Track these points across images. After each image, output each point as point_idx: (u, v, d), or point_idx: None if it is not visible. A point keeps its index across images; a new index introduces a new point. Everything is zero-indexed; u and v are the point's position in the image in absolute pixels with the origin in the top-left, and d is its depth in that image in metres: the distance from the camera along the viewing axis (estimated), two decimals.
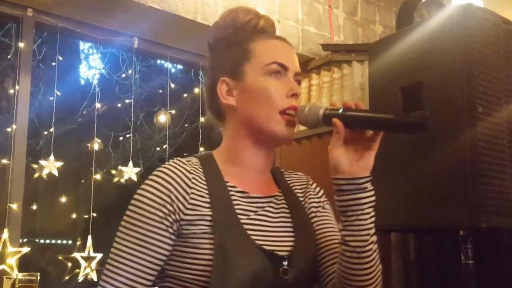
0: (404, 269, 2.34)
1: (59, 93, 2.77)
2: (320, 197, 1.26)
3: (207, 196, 1.07)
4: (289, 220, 1.16)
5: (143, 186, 1.08)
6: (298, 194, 1.23)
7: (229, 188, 1.11)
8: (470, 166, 1.65)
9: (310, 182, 1.28)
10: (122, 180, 2.93)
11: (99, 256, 2.62)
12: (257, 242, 1.06)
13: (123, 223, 1.07)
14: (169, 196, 1.05)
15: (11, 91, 2.57)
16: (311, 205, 1.23)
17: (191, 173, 1.08)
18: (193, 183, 1.07)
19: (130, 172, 2.92)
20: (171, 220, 1.04)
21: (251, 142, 1.13)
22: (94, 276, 2.61)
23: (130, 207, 1.07)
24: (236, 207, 1.09)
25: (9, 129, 2.51)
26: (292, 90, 1.12)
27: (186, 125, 4.87)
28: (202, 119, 3.34)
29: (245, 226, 1.07)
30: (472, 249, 1.72)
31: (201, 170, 1.11)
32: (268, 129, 1.10)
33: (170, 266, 1.06)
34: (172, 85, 3.33)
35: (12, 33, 2.80)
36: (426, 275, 2.27)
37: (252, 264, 1.02)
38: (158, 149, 5.14)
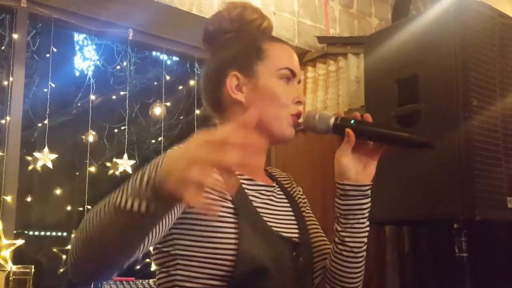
0: (399, 262, 2.35)
1: (53, 85, 2.75)
2: (303, 195, 1.33)
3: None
4: (290, 210, 1.20)
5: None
6: (288, 189, 1.28)
7: (238, 176, 1.12)
8: (464, 159, 1.65)
9: (293, 181, 1.33)
10: (117, 173, 2.92)
11: None
12: (274, 228, 1.11)
13: None
14: None
15: (5, 82, 2.55)
16: (299, 200, 1.28)
17: None
18: None
19: (125, 164, 2.91)
20: None
21: None
22: None
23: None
24: (248, 193, 1.12)
25: (3, 121, 2.50)
26: (298, 98, 1.17)
27: (181, 117, 4.87)
28: (197, 111, 3.34)
29: (260, 212, 1.11)
30: (466, 242, 1.72)
31: None
32: (277, 129, 1.14)
33: (186, 248, 1.02)
34: (167, 77, 3.32)
35: (5, 24, 2.78)
36: (420, 268, 2.28)
37: (272, 250, 1.06)
38: (153, 141, 5.14)
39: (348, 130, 1.09)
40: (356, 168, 1.12)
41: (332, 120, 1.11)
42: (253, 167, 1.17)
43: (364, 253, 1.16)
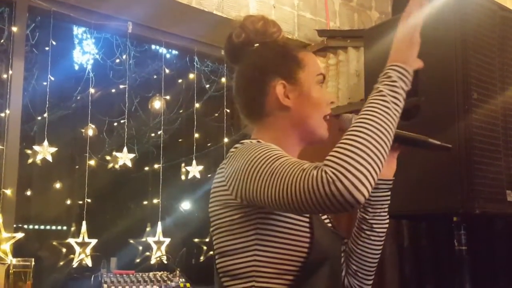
0: (398, 255, 2.36)
1: (52, 78, 2.74)
2: None
3: None
4: None
5: (258, 149, 1.08)
6: None
7: None
8: (464, 152, 1.65)
9: None
10: (117, 166, 2.92)
11: (93, 241, 2.62)
12: (326, 222, 1.27)
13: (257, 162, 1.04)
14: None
15: (4, 76, 2.55)
16: None
17: None
18: None
19: (124, 158, 2.91)
20: None
21: (298, 138, 1.27)
22: (88, 262, 2.62)
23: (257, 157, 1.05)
24: None
25: (2, 115, 2.50)
26: (331, 99, 1.31)
27: (181, 111, 4.86)
28: (197, 105, 3.33)
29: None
30: (466, 235, 1.72)
31: None
32: (318, 132, 1.27)
33: (268, 233, 1.11)
34: (167, 71, 3.31)
35: (4, 17, 2.77)
36: (419, 261, 2.28)
37: (332, 242, 1.21)
38: (152, 135, 5.14)
39: None
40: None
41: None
42: None
43: (384, 237, 1.33)
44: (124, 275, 2.45)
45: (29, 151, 2.62)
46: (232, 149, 1.17)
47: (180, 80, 4.58)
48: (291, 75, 1.26)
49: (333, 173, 0.90)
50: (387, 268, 2.36)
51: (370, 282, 1.35)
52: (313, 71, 1.28)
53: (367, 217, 1.31)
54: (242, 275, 1.13)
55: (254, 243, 1.11)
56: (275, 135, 1.25)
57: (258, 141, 1.15)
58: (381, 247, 1.34)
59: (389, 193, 1.33)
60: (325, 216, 1.30)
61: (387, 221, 1.34)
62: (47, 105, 2.70)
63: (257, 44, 1.30)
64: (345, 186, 0.89)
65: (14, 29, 2.49)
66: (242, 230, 1.12)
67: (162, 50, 3.34)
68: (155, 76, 4.53)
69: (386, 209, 1.34)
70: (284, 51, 1.29)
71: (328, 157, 0.94)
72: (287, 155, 1.04)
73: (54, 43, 2.77)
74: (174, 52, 4.29)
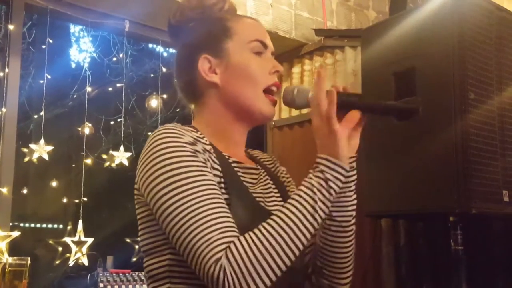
0: (394, 255, 2.36)
1: (49, 77, 2.74)
2: (287, 174, 1.31)
3: (217, 162, 1.06)
4: (277, 191, 1.20)
5: (162, 140, 0.99)
6: (272, 169, 1.28)
7: (226, 157, 1.12)
8: (461, 152, 1.65)
9: (276, 161, 1.31)
10: (113, 165, 2.91)
11: (90, 240, 2.62)
12: (263, 206, 1.11)
13: (160, 180, 0.96)
14: (195, 149, 1.00)
15: (1, 74, 2.54)
16: (283, 180, 1.28)
17: (201, 137, 1.07)
18: (206, 145, 1.06)
19: (121, 156, 2.90)
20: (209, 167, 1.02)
21: (235, 119, 1.14)
22: (85, 261, 2.61)
23: (158, 163, 0.97)
24: (238, 172, 1.11)
25: None
26: (275, 67, 1.14)
27: (178, 109, 4.85)
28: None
29: (250, 191, 1.10)
30: (462, 235, 1.72)
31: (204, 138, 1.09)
32: (255, 108, 1.12)
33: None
34: (164, 69, 3.30)
35: (1, 15, 2.76)
36: (416, 260, 2.28)
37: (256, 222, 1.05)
38: (149, 133, 5.11)
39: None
40: None
41: (311, 94, 1.07)
42: (235, 154, 1.15)
43: (353, 227, 1.15)
44: (121, 274, 2.44)
45: (25, 150, 2.62)
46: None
47: None
48: (217, 47, 1.12)
49: (233, 281, 0.88)
50: (384, 267, 2.37)
51: (345, 286, 1.19)
52: (244, 38, 1.13)
53: None
54: (158, 276, 1.03)
55: (168, 241, 0.99)
56: (210, 118, 1.14)
57: (161, 136, 1.01)
58: (348, 242, 1.15)
59: (350, 173, 1.10)
60: (267, 190, 1.16)
61: (351, 208, 1.13)
62: (43, 104, 2.69)
63: (193, 22, 1.18)
64: None
65: (11, 27, 2.48)
66: (156, 227, 1.02)
67: (159, 49, 3.33)
68: (152, 75, 4.52)
69: (349, 194, 1.12)
70: (214, 22, 1.16)
71: (238, 247, 0.90)
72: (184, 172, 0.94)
73: (50, 41, 2.76)
74: (171, 50, 4.28)
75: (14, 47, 2.48)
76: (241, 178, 1.11)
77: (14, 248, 2.30)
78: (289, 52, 3.09)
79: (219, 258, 0.89)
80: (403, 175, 1.81)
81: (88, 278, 2.39)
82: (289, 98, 1.11)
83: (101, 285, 2.32)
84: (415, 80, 1.80)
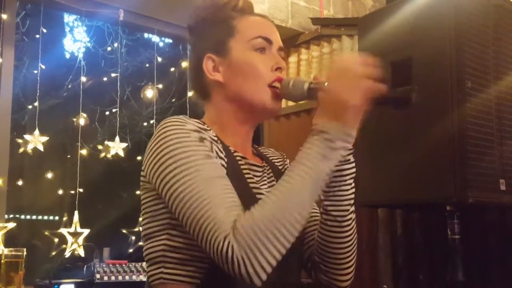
0: (391, 244, 2.36)
1: (43, 67, 2.72)
2: None
3: (223, 152, 1.07)
4: None
5: (168, 128, 1.01)
6: (280, 167, 1.27)
7: (232, 151, 1.12)
8: (458, 141, 1.65)
9: (286, 158, 1.31)
10: (109, 156, 2.90)
11: (86, 231, 2.61)
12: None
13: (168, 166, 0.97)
14: (201, 136, 1.02)
15: None
16: None
17: (208, 129, 1.08)
18: (213, 136, 1.07)
19: (117, 147, 2.89)
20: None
21: (239, 116, 1.15)
22: (81, 252, 2.61)
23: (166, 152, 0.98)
24: (241, 167, 1.12)
25: None
26: (277, 64, 1.14)
27: (173, 100, 4.83)
28: (190, 94, 3.31)
29: (254, 191, 1.10)
30: (459, 224, 1.73)
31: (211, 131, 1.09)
32: (258, 102, 1.12)
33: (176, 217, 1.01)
34: (159, 59, 3.29)
35: None
36: (412, 250, 2.29)
37: None
38: (145, 124, 5.10)
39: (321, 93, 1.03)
40: None
41: (306, 85, 1.07)
42: (242, 151, 1.16)
43: (351, 223, 1.13)
44: (117, 265, 2.44)
45: (20, 141, 2.60)
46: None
47: (172, 69, 4.55)
48: (221, 46, 1.15)
49: (241, 256, 0.89)
50: (381, 257, 2.37)
51: (344, 282, 1.17)
52: (246, 36, 1.14)
53: (321, 197, 1.11)
54: (154, 260, 1.05)
55: (166, 227, 1.03)
56: (216, 115, 1.16)
57: (167, 124, 1.02)
58: (344, 238, 1.12)
59: (346, 166, 1.09)
60: (269, 189, 1.13)
61: (347, 202, 1.11)
62: (38, 94, 2.68)
63: (207, 22, 1.20)
64: (248, 273, 0.89)
65: (4, 16, 2.46)
66: (156, 213, 1.05)
67: (155, 38, 3.31)
68: (147, 65, 4.49)
69: (345, 188, 1.10)
70: (220, 22, 1.17)
71: (243, 223, 0.90)
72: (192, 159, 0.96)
73: (44, 31, 2.75)
74: (167, 40, 4.25)
75: (8, 37, 2.46)
76: (243, 171, 1.12)
77: (10, 240, 2.30)
78: (285, 41, 3.05)
79: (227, 235, 0.90)
80: (400, 165, 1.81)
81: (85, 269, 2.39)
82: (286, 91, 1.11)
83: (98, 276, 2.32)
84: (412, 69, 1.80)
